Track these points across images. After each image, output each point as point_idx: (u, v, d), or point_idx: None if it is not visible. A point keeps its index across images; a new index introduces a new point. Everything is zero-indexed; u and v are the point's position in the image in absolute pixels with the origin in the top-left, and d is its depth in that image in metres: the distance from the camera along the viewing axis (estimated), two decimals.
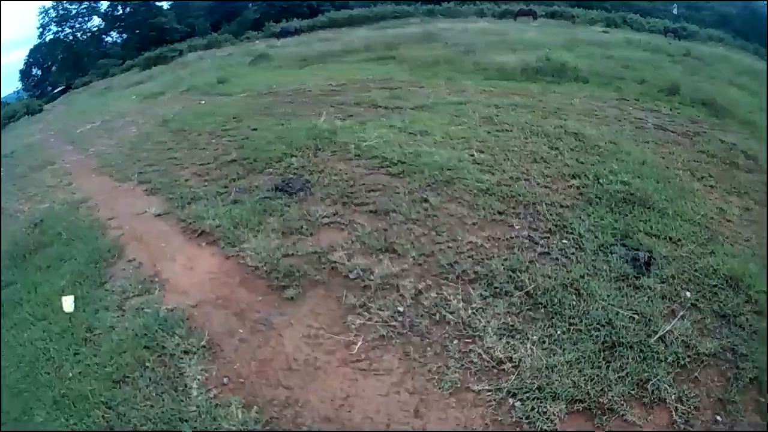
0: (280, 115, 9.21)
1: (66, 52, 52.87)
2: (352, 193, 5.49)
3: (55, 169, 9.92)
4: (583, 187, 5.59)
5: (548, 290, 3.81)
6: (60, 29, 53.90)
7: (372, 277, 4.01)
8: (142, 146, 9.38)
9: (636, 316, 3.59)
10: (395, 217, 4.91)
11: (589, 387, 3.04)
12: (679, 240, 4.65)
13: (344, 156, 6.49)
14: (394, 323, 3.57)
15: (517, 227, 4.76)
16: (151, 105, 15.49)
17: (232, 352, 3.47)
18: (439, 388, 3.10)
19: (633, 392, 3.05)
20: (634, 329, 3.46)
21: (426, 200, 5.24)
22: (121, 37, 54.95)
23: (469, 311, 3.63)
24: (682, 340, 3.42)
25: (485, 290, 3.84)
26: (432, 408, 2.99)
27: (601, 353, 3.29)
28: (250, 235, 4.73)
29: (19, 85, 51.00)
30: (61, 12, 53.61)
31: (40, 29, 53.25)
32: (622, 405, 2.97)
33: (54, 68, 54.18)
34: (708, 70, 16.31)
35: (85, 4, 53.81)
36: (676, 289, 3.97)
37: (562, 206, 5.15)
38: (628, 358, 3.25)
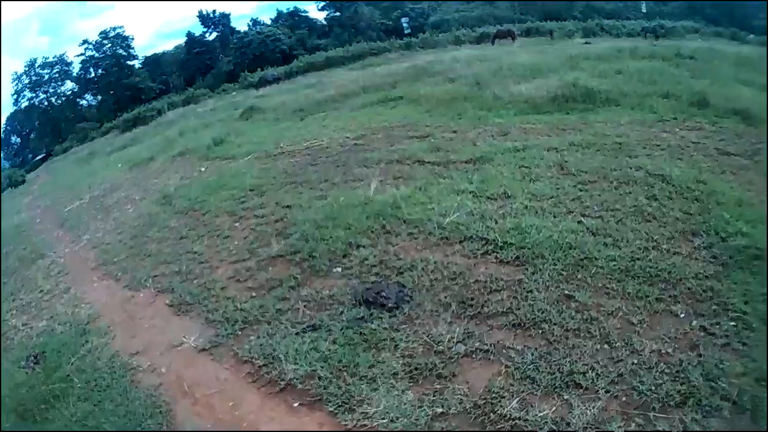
0: (308, 183, 7.88)
1: (42, 117, 52.34)
2: (472, 299, 4.25)
3: (47, 265, 8.70)
4: (711, 247, 4.88)
5: (755, 396, 3.16)
6: (34, 95, 53.45)
7: (562, 425, 3.04)
8: (148, 233, 8.10)
9: None
10: (550, 330, 3.85)
11: None
12: None
13: (428, 241, 5.18)
14: None
15: (683, 316, 3.99)
16: (142, 174, 14.32)
17: None
18: None
19: None
20: None
21: (571, 296, 4.20)
22: (95, 99, 54.43)
23: None
24: None
25: (696, 413, 3.11)
26: None
27: None
28: (365, 387, 3.37)
29: None
30: (33, 78, 53.11)
31: (15, 96, 52.78)
32: None
33: (32, 135, 53.39)
34: (709, 68, 15.44)
35: (57, 68, 53.25)
36: None
37: (706, 276, 4.40)
38: None
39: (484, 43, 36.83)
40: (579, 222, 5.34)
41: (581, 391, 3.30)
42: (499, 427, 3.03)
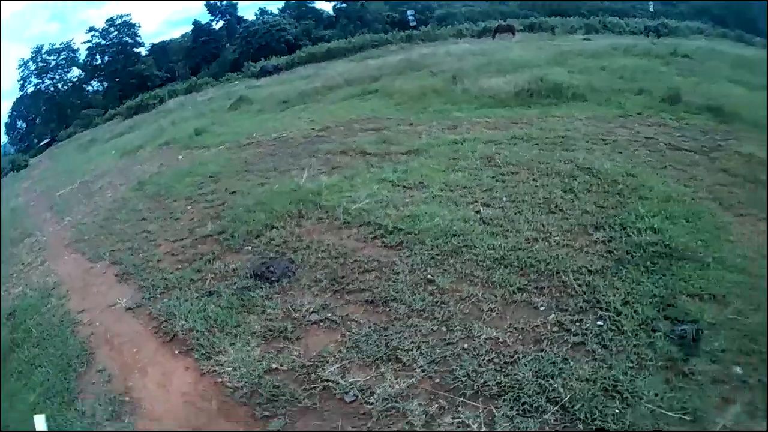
0: (260, 172, 8.59)
1: (48, 103, 52.99)
2: (343, 277, 4.78)
3: (32, 243, 9.47)
4: (610, 241, 4.93)
5: (587, 399, 3.13)
6: (41, 81, 54.18)
7: (372, 400, 3.31)
8: (117, 216, 8.80)
9: (687, 417, 2.99)
10: (396, 309, 4.21)
11: None
12: (724, 297, 4.05)
13: (332, 224, 5.79)
14: None
15: (542, 309, 4.07)
16: (130, 162, 15.06)
17: None
18: None
19: None
20: None
21: (431, 281, 4.53)
22: (102, 85, 55.16)
23: None
24: None
25: (511, 408, 3.15)
26: None
27: None
28: (227, 341, 4.04)
29: (5, 138, 50.94)
30: (40, 64, 53.85)
31: (21, 81, 53.60)
32: None
33: (38, 120, 54.33)
34: (702, 68, 15.75)
35: (64, 55, 54.10)
36: (726, 366, 3.37)
37: (590, 271, 4.45)
38: None
39: (484, 38, 37.11)
40: (477, 212, 5.66)
41: (399, 365, 3.58)
42: (312, 386, 3.51)
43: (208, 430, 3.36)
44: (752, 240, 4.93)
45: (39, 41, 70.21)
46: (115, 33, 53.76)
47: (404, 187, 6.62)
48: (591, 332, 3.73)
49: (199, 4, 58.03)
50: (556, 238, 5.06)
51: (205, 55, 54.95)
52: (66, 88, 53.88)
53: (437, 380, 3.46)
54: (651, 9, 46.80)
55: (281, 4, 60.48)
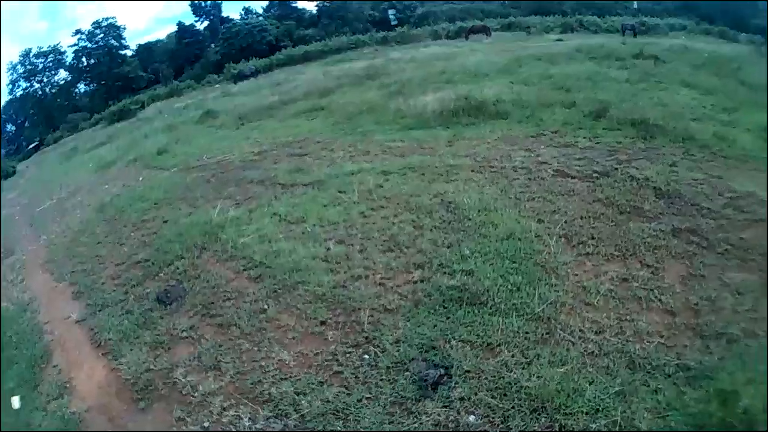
0: (193, 200, 10.23)
1: (36, 107, 54.49)
2: (212, 303, 6.21)
3: (14, 261, 10.98)
4: (421, 281, 5.68)
5: (320, 415, 4.23)
6: (29, 84, 55.77)
7: (195, 394, 4.82)
8: (80, 239, 10.47)
9: None
10: (233, 331, 5.60)
11: None
12: (499, 346, 4.56)
13: (221, 257, 7.28)
14: None
15: (330, 341, 5.12)
16: (101, 179, 16.62)
17: None
18: None
19: None
20: None
21: (264, 311, 5.79)
22: (88, 87, 56.70)
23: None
24: None
25: (271, 411, 4.42)
26: None
27: None
28: (128, 348, 5.84)
29: None
30: (28, 67, 55.38)
31: (10, 85, 55.12)
32: None
33: (27, 123, 55.80)
34: (661, 70, 16.00)
35: (51, 57, 55.51)
36: (458, 413, 4.00)
37: (387, 310, 5.33)
38: None
39: (459, 39, 38.42)
40: (327, 249, 6.72)
41: (219, 372, 5.05)
42: (166, 382, 5.16)
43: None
44: (581, 283, 5.35)
45: (30, 39, 71.45)
46: (101, 35, 55.28)
47: (288, 221, 7.89)
48: (353, 364, 4.74)
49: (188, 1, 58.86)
50: (378, 276, 5.95)
51: (188, 57, 56.51)
52: (54, 91, 55.42)
53: (237, 384, 4.87)
54: (635, 6, 47.33)
55: (265, 4, 61.59)
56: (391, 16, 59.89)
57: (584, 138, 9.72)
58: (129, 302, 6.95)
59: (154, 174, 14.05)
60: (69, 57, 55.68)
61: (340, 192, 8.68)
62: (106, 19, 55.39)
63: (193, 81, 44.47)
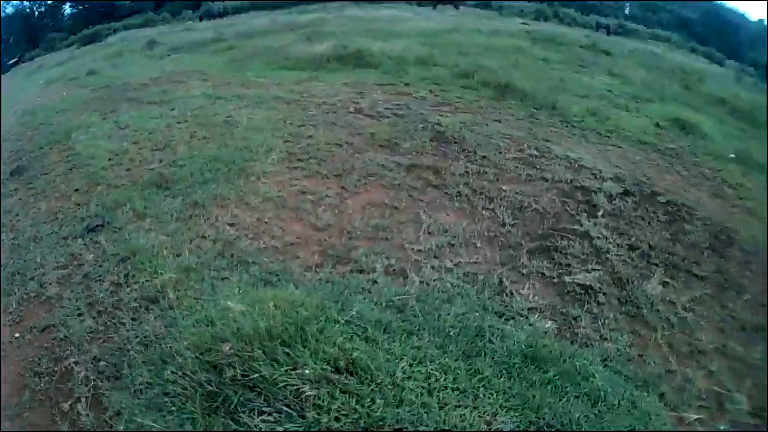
0: (80, 112, 11.79)
1: (22, 24, 55.66)
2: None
3: None
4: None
5: None
6: (20, 3, 56.91)
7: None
8: None
9: None
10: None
11: None
12: None
13: (62, 151, 8.88)
14: None
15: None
16: (41, 93, 18.12)
17: None
18: None
19: None
20: None
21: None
22: (74, 10, 57.77)
23: None
24: None
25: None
26: None
27: None
28: None
29: None
30: None
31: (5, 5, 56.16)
32: None
33: (11, 40, 57.06)
34: (597, 60, 16.62)
35: None
36: None
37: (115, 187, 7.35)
38: None
39: (426, 7, 37.43)
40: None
41: None
42: None
43: None
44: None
45: None
46: None
47: (119, 127, 9.65)
48: None
49: None
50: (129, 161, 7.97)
51: None
52: (41, 10, 56.68)
53: None
54: (626, 12, 46.33)
55: None
56: None
57: (430, 92, 10.38)
58: None
59: (76, 91, 15.84)
60: None
61: (171, 110, 10.47)
62: None
63: (168, 14, 45.63)
